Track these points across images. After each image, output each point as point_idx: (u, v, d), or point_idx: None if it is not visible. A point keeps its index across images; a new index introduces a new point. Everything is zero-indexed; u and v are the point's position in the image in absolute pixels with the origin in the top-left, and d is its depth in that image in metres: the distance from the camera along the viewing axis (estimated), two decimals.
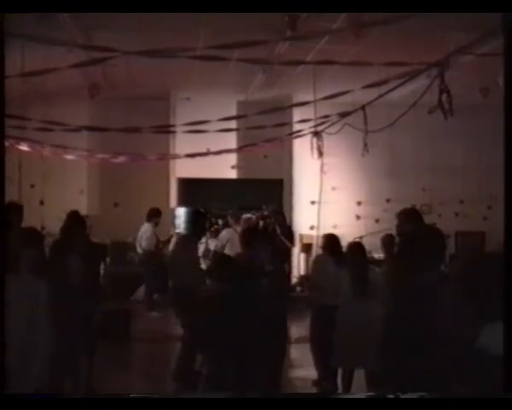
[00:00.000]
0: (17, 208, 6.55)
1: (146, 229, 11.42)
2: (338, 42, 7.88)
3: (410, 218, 6.43)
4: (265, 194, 12.65)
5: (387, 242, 6.81)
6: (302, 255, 12.94)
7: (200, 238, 8.15)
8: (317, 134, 9.64)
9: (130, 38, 7.57)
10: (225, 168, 12.54)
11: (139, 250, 11.50)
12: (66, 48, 6.95)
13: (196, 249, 7.92)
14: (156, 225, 11.48)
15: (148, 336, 9.40)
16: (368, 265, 6.37)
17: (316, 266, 7.43)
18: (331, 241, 7.04)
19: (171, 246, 10.24)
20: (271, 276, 6.42)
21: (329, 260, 6.80)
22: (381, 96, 7.38)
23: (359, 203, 13.17)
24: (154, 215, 11.45)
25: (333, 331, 6.17)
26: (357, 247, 6.51)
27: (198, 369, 6.35)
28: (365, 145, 7.90)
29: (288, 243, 10.14)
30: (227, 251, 9.07)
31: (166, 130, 10.95)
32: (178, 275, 7.46)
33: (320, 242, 7.43)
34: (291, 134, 10.62)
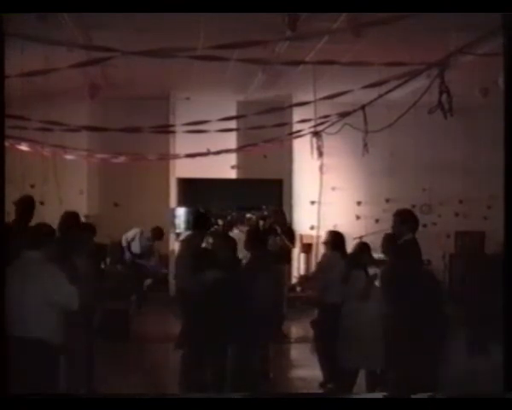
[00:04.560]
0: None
1: (134, 234, 11.59)
2: (338, 42, 7.88)
3: (404, 219, 6.47)
4: (265, 194, 12.68)
5: (388, 241, 6.82)
6: (302, 255, 12.95)
7: (202, 240, 8.17)
8: (316, 134, 9.63)
9: (130, 37, 7.57)
10: (225, 168, 12.53)
11: (127, 253, 11.62)
12: (67, 48, 6.95)
13: (199, 249, 7.92)
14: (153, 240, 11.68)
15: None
16: (374, 264, 6.38)
17: (323, 264, 7.43)
18: (337, 238, 7.06)
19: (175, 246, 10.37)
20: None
21: (336, 257, 6.82)
22: (380, 96, 7.37)
23: (359, 203, 13.18)
24: (156, 235, 11.65)
25: (339, 331, 6.18)
26: (364, 246, 6.51)
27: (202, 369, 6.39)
28: (365, 145, 7.90)
29: (288, 243, 10.16)
30: None
31: (166, 130, 10.95)
32: (183, 275, 7.48)
33: (325, 238, 7.43)
34: (291, 134, 10.61)
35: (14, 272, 4.61)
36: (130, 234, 11.70)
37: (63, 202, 11.37)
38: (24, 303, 4.60)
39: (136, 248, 11.68)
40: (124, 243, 11.66)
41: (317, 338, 7.07)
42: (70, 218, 6.77)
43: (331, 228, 11.03)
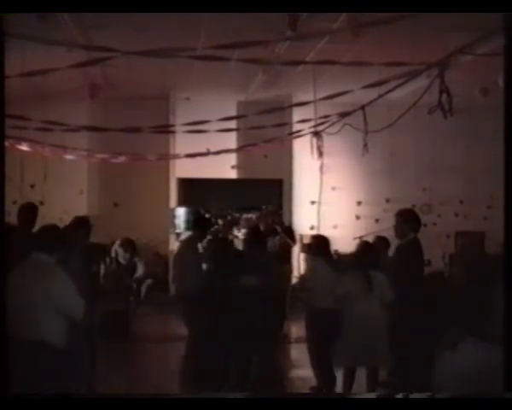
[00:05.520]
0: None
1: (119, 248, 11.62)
2: (338, 42, 7.88)
3: (406, 218, 6.47)
4: (265, 194, 12.68)
5: (380, 244, 6.83)
6: (302, 255, 12.93)
7: (202, 240, 8.22)
8: (317, 134, 9.63)
9: (130, 37, 7.57)
10: (225, 168, 12.53)
11: (114, 263, 11.63)
12: (67, 48, 6.95)
13: (199, 251, 7.98)
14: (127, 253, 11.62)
15: None
16: (378, 264, 6.36)
17: (308, 269, 7.46)
18: (321, 242, 7.05)
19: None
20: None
21: (320, 261, 6.80)
22: (380, 96, 7.37)
23: (359, 203, 13.17)
24: (127, 248, 11.57)
25: (329, 333, 6.17)
26: (367, 246, 6.50)
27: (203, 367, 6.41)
28: (365, 145, 7.90)
29: (290, 242, 10.18)
30: None
31: (166, 130, 10.94)
32: (182, 275, 7.50)
33: (309, 242, 7.44)
34: (291, 134, 10.61)
35: (23, 273, 4.59)
36: (117, 243, 11.71)
37: (63, 202, 11.42)
38: (31, 305, 4.58)
39: (120, 258, 11.68)
40: (113, 254, 11.66)
41: (311, 340, 7.05)
42: (79, 223, 6.77)
43: (331, 228, 11.09)
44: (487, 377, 2.50)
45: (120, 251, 11.65)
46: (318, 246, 6.99)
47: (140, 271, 11.84)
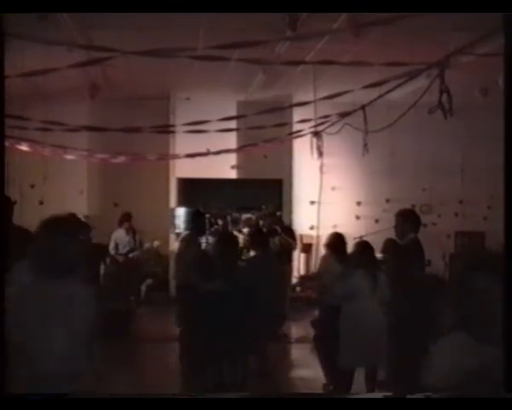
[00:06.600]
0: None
1: (120, 234, 11.62)
2: (338, 42, 7.88)
3: (407, 218, 6.47)
4: (265, 194, 12.68)
5: (389, 246, 6.82)
6: (302, 255, 12.94)
7: (201, 236, 8.27)
8: (316, 134, 9.65)
9: (130, 37, 7.57)
10: (225, 168, 12.54)
11: (119, 257, 11.65)
12: (67, 48, 6.95)
13: (199, 248, 8.01)
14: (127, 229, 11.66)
15: None
16: (376, 263, 6.36)
17: (322, 266, 7.45)
18: (337, 240, 7.04)
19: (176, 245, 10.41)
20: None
21: (336, 259, 6.80)
22: (381, 96, 7.38)
23: (359, 203, 13.17)
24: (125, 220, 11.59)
25: (339, 331, 6.17)
26: (365, 246, 6.49)
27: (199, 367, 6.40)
28: (365, 145, 7.91)
29: (291, 241, 10.19)
30: None
31: (166, 130, 10.95)
32: (182, 273, 7.52)
33: (325, 240, 7.43)
34: (291, 134, 10.62)
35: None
36: (114, 236, 11.74)
37: (63, 201, 11.41)
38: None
39: (122, 244, 11.72)
40: (112, 251, 11.67)
41: (317, 338, 7.06)
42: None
43: (331, 228, 11.08)
44: (474, 375, 2.50)
45: (121, 235, 11.65)
46: (335, 244, 6.98)
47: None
